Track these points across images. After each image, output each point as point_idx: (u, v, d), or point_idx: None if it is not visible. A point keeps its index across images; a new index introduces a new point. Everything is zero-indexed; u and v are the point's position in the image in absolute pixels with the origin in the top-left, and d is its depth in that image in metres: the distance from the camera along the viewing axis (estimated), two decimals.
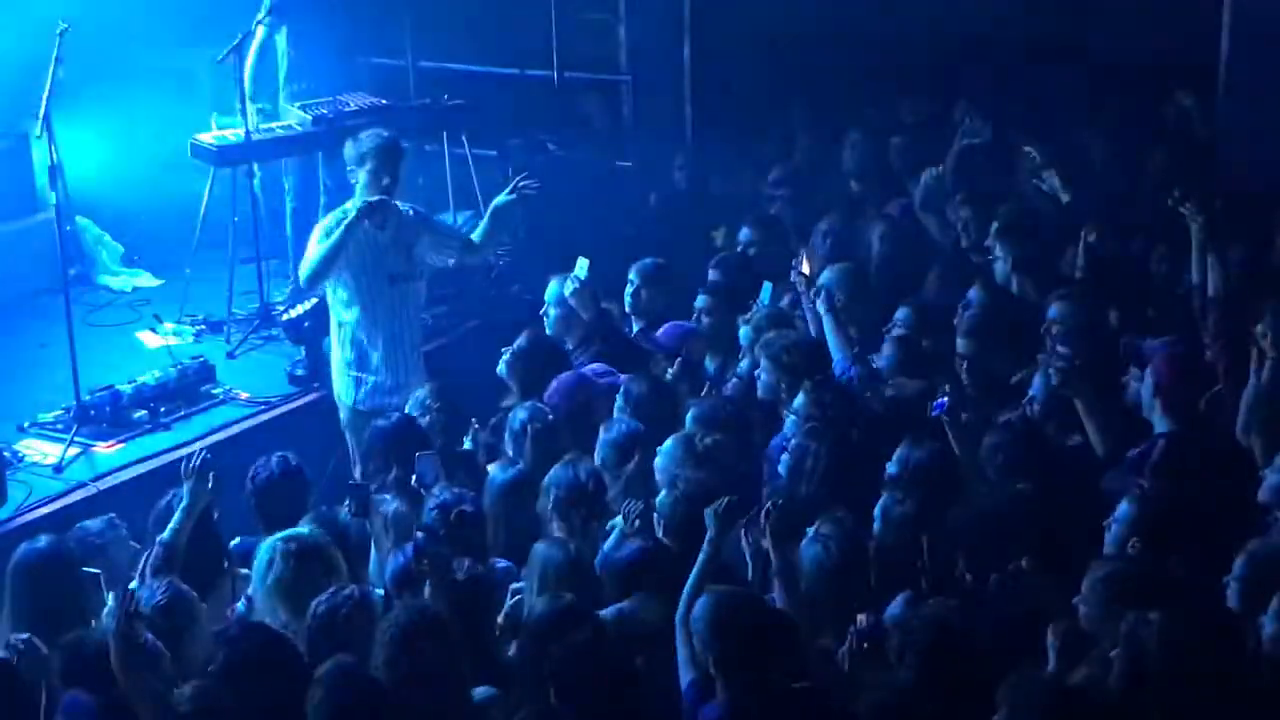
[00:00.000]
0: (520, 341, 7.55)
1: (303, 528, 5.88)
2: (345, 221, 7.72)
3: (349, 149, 7.92)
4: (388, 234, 7.81)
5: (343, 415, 8.05)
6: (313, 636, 5.25)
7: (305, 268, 7.90)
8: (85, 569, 5.95)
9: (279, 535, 5.74)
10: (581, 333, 7.97)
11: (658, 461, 6.42)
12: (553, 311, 8.08)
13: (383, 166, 7.79)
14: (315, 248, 7.83)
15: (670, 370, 7.57)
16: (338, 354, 7.98)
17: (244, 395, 8.55)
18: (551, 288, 8.15)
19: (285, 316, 9.22)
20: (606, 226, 10.24)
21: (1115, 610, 4.95)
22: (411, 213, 8.02)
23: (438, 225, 8.33)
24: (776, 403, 6.97)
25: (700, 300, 7.99)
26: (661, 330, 8.03)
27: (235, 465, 7.42)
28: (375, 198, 7.74)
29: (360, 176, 7.83)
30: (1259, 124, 9.18)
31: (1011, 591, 5.37)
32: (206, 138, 9.48)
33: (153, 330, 9.49)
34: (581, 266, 7.88)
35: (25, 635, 5.27)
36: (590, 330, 7.94)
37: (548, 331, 7.99)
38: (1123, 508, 5.52)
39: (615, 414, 6.96)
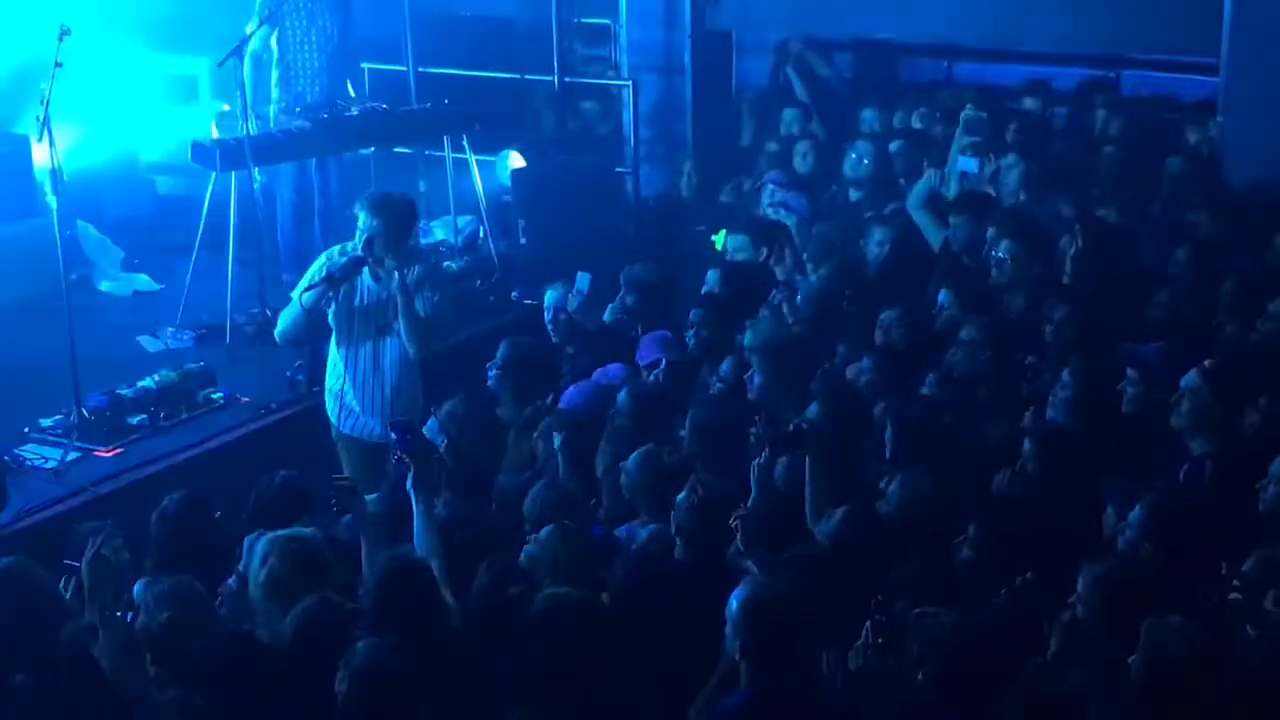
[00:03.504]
0: (505, 353, 7.48)
1: (305, 529, 5.85)
2: (315, 289, 7.41)
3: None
4: (383, 286, 7.46)
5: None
6: (294, 644, 5.25)
7: (279, 325, 7.74)
8: (67, 561, 5.97)
9: (281, 533, 5.72)
10: (582, 340, 7.98)
11: (623, 479, 6.33)
12: (550, 315, 8.10)
13: (372, 219, 7.36)
14: (288, 308, 7.60)
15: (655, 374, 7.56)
16: (328, 368, 7.91)
17: (244, 400, 8.54)
18: (550, 294, 8.15)
19: None
20: (606, 232, 10.26)
21: (1113, 607, 4.99)
22: (425, 273, 7.55)
23: (431, 299, 7.52)
24: (772, 405, 6.94)
25: (693, 314, 7.89)
26: (642, 340, 8.02)
27: (236, 469, 7.45)
28: (337, 268, 7.38)
29: (360, 220, 7.48)
30: (1261, 129, 9.20)
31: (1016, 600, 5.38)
32: (208, 141, 9.48)
33: (153, 334, 9.48)
34: (583, 280, 7.89)
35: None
36: (591, 338, 7.95)
37: (553, 339, 8.00)
38: (1135, 513, 5.53)
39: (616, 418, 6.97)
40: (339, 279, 7.41)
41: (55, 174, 7.99)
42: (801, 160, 10.41)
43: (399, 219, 7.44)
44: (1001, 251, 7.91)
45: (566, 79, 11.16)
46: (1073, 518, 5.86)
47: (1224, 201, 8.66)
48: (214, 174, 9.41)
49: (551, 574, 5.59)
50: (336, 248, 7.72)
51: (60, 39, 7.71)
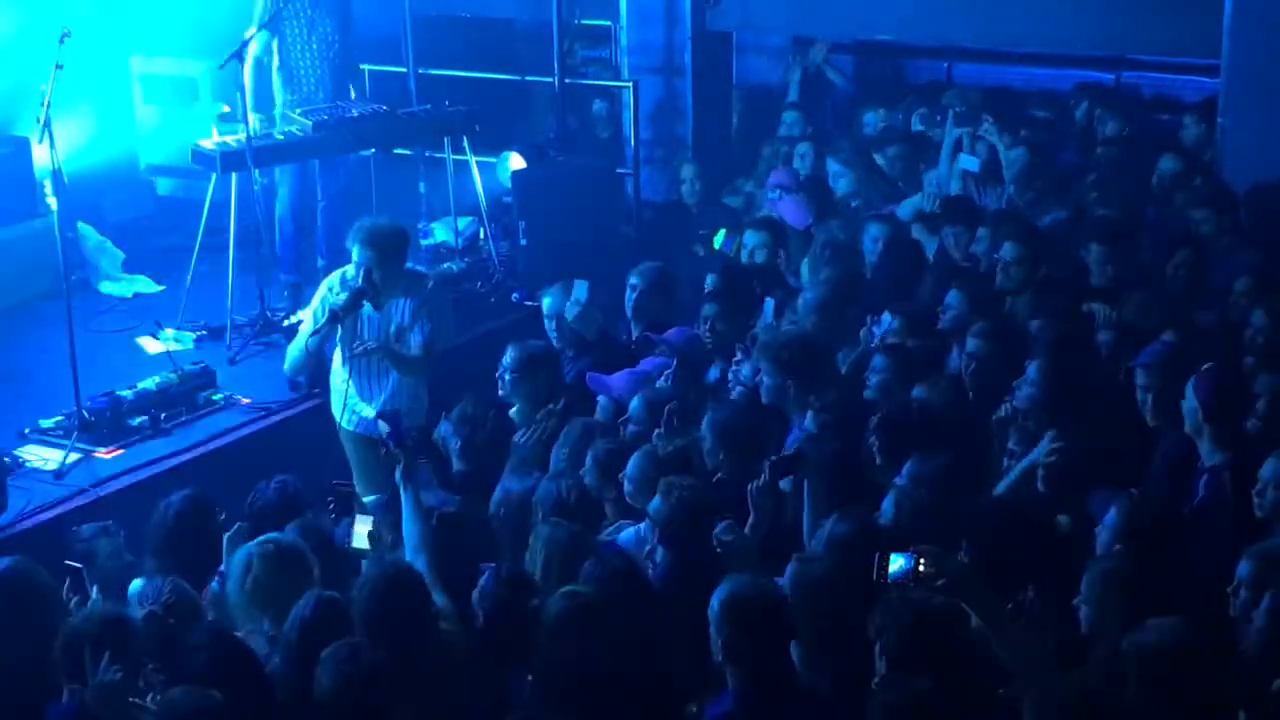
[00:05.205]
0: (515, 356, 7.47)
1: (278, 533, 5.85)
2: (321, 331, 7.51)
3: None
4: (384, 315, 7.53)
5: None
6: (294, 644, 5.24)
7: (287, 361, 7.94)
8: (68, 562, 5.98)
9: (255, 540, 5.73)
10: (582, 346, 7.99)
11: (625, 486, 6.32)
12: (550, 323, 8.10)
13: (365, 251, 7.44)
14: (297, 340, 7.73)
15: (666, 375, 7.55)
16: (332, 372, 7.92)
17: (245, 401, 8.54)
18: (548, 299, 8.16)
19: (286, 322, 9.25)
20: (606, 233, 10.26)
21: (1117, 608, 4.98)
22: (421, 301, 7.59)
23: (427, 330, 7.54)
24: (783, 406, 6.91)
25: (707, 308, 7.87)
26: (669, 334, 8.01)
27: (236, 471, 7.44)
28: (339, 306, 7.43)
29: (354, 254, 7.54)
30: (1261, 129, 9.20)
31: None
32: (208, 143, 9.48)
33: (153, 336, 9.48)
34: (580, 289, 7.89)
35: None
36: (591, 345, 7.96)
37: (554, 343, 8.00)
38: (1110, 514, 5.52)
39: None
40: (342, 317, 7.48)
41: (56, 175, 8.00)
42: (800, 161, 10.40)
43: (391, 248, 7.53)
44: (1006, 255, 7.86)
45: (567, 80, 11.16)
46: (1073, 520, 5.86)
47: (1224, 201, 8.65)
48: (214, 176, 9.41)
49: (549, 577, 5.58)
50: (337, 277, 7.75)
51: (61, 41, 7.72)
